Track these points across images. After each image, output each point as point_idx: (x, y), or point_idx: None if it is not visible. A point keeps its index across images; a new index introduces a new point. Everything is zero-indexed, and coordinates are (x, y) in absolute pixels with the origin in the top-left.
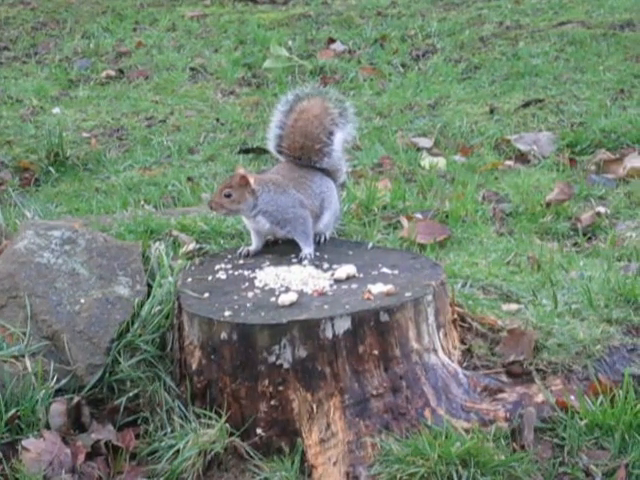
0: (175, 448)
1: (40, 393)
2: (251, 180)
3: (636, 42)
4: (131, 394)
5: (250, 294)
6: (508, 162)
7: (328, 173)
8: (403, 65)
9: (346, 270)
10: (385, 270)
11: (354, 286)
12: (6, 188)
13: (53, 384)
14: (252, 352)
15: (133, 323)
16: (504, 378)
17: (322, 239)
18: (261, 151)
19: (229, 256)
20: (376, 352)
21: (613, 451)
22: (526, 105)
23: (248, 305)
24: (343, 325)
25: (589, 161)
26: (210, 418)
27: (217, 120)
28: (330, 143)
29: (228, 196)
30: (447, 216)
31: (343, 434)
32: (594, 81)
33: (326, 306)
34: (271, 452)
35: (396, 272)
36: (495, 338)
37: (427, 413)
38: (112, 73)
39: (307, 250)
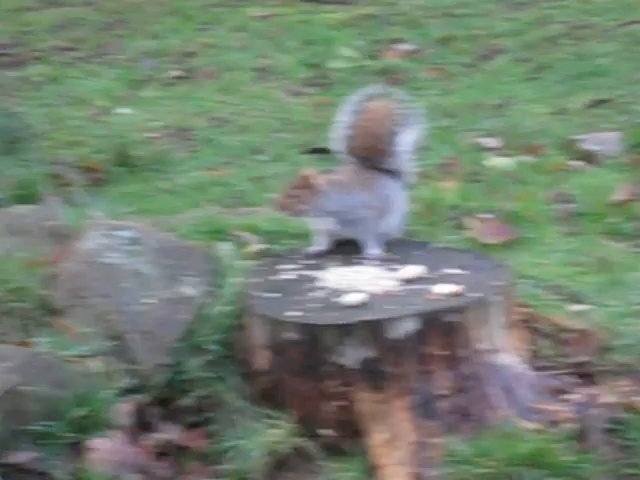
0: (242, 448)
1: (107, 393)
2: (318, 181)
3: None
4: (198, 394)
5: (317, 294)
6: (574, 162)
7: (394, 174)
8: (469, 65)
9: (412, 270)
10: (451, 271)
11: (420, 286)
12: (74, 188)
13: (120, 384)
14: (318, 352)
15: (200, 323)
16: (571, 379)
17: (389, 240)
18: (327, 151)
19: (295, 256)
20: (442, 353)
21: None
22: (593, 105)
23: (315, 305)
24: (409, 325)
25: None
26: (277, 418)
27: (283, 120)
28: (396, 144)
29: (295, 196)
30: (513, 216)
31: (409, 435)
32: None
33: (392, 306)
34: (338, 452)
35: (463, 272)
36: (562, 339)
37: (494, 414)
38: (178, 73)
39: (373, 251)
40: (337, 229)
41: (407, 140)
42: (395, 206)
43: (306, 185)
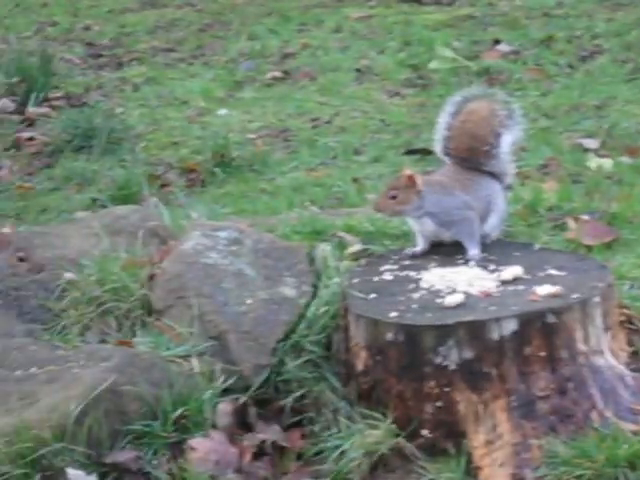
0: (341, 449)
1: (207, 393)
2: (418, 181)
3: None
4: (297, 394)
5: (416, 295)
6: None
7: (494, 175)
8: (569, 66)
9: (512, 271)
10: (552, 271)
11: (520, 287)
12: (173, 189)
13: (220, 384)
14: (418, 353)
15: (299, 324)
16: None
17: (488, 241)
18: (427, 152)
19: (395, 257)
20: (543, 354)
21: None
22: None
23: (414, 306)
24: (509, 326)
25: None
26: (376, 419)
27: (382, 121)
28: (497, 145)
29: (394, 197)
30: (614, 217)
31: (509, 436)
32: None
33: (492, 307)
34: (437, 453)
35: (563, 273)
36: None
37: (594, 415)
38: (278, 74)
39: (473, 252)
40: (437, 230)
41: (507, 141)
42: (495, 207)
43: (406, 186)
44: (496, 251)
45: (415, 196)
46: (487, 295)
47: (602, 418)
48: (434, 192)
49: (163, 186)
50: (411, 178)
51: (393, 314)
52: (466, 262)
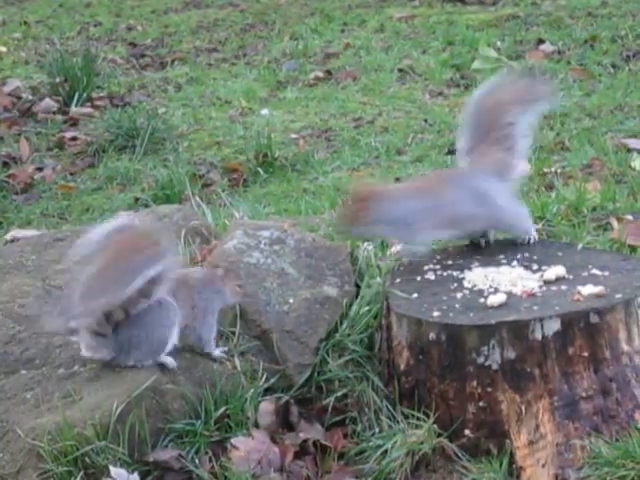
0: (383, 448)
1: (249, 392)
2: (374, 192)
3: None
4: (339, 394)
5: (459, 295)
6: None
7: (499, 169)
8: (613, 66)
9: (555, 271)
10: (595, 271)
11: (563, 287)
12: (215, 189)
13: (262, 383)
14: (460, 353)
15: (341, 323)
16: None
17: (529, 241)
18: None
19: (437, 257)
20: (586, 354)
21: None
22: None
23: (457, 306)
24: (552, 326)
25: None
26: (418, 419)
27: (425, 121)
28: (512, 127)
29: (355, 210)
30: None
31: (552, 436)
32: None
33: (535, 307)
34: (479, 453)
35: (606, 273)
36: None
37: (637, 416)
38: (320, 74)
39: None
40: (390, 235)
41: (524, 122)
42: (490, 203)
43: (364, 197)
44: (539, 251)
45: (372, 207)
46: (530, 295)
47: None
48: (389, 201)
49: (205, 186)
50: (368, 189)
51: (436, 314)
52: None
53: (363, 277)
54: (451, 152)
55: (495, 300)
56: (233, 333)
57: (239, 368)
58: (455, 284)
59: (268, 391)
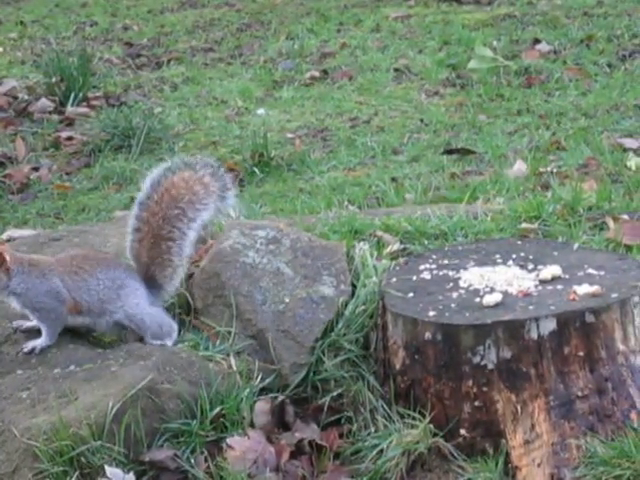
0: (379, 448)
1: (245, 391)
2: (7, 259)
3: None
4: (335, 393)
5: (454, 294)
6: None
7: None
8: (609, 65)
9: (551, 271)
10: (591, 271)
11: (559, 287)
12: None
13: (258, 383)
14: (456, 352)
15: (337, 323)
16: None
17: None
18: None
19: (433, 256)
20: (581, 353)
21: None
22: None
23: (452, 305)
24: (548, 326)
25: None
26: (414, 418)
27: (421, 121)
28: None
29: None
30: None
31: (548, 436)
32: None
33: (531, 307)
34: (475, 453)
35: (602, 273)
36: None
37: (633, 415)
38: (316, 74)
39: (42, 340)
40: (23, 311)
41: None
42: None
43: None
44: (535, 250)
45: (3, 274)
46: (526, 294)
47: None
48: (24, 272)
49: None
50: (1, 256)
51: (431, 313)
52: (21, 349)
53: (359, 277)
54: (448, 152)
55: (491, 300)
56: (229, 332)
57: (235, 367)
58: (451, 284)
59: (264, 391)
